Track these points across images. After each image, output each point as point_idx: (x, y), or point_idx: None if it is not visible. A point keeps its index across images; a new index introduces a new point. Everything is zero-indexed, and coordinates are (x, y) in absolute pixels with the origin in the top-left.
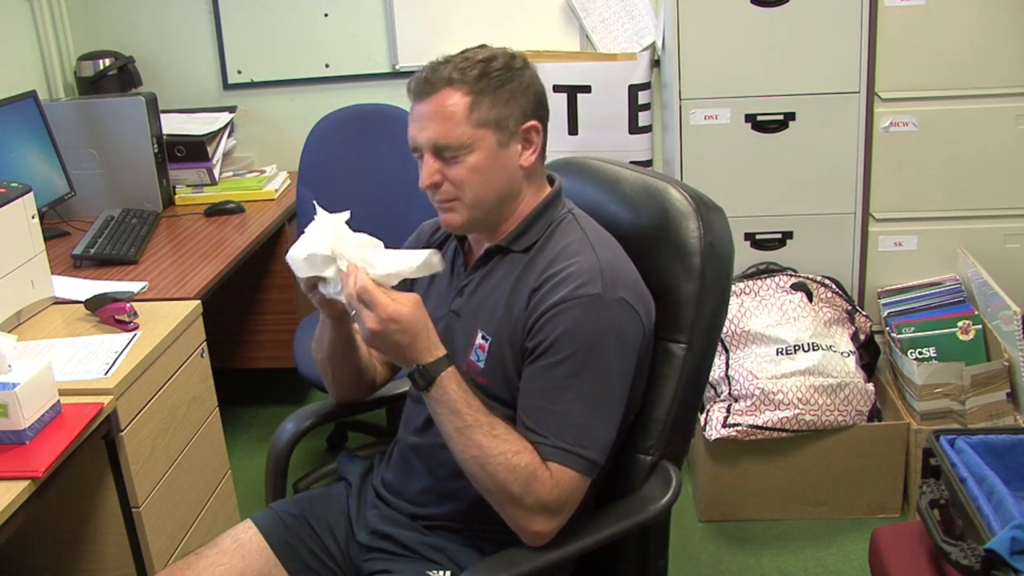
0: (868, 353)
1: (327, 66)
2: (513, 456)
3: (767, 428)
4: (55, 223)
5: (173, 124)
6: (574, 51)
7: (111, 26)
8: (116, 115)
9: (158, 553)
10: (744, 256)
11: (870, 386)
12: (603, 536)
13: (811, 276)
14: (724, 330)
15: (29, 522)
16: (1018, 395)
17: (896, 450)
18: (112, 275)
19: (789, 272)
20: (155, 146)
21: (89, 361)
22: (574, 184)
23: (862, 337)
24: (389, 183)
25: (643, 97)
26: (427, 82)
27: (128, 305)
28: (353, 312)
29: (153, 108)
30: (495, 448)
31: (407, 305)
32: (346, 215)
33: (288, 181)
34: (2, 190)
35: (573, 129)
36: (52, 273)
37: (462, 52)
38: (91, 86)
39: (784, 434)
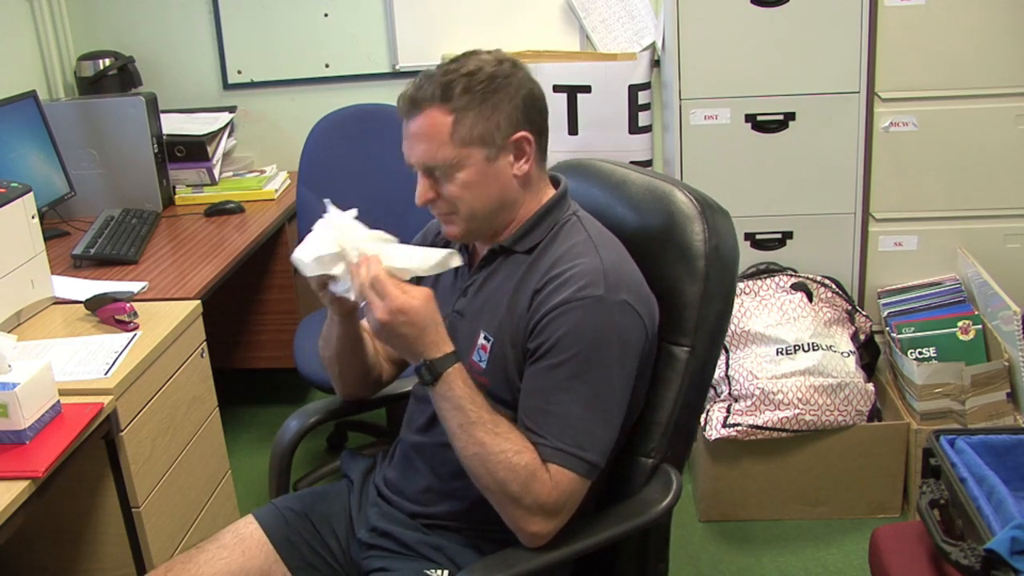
0: (868, 353)
1: (327, 66)
2: (513, 455)
3: (767, 428)
4: (55, 223)
5: (173, 124)
6: (574, 51)
7: (111, 26)
8: (116, 115)
9: (158, 553)
10: (744, 256)
11: (870, 386)
12: (601, 538)
13: (811, 276)
14: None
15: (29, 522)
16: (1018, 395)
17: (896, 450)
18: (112, 275)
19: (789, 272)
20: (155, 146)
21: (89, 361)
22: (580, 185)
23: (862, 337)
24: (389, 183)
25: (643, 97)
26: (411, 101)
27: (128, 305)
28: (363, 304)
29: (153, 108)
30: (496, 446)
31: (417, 299)
32: (353, 212)
33: (288, 181)
34: (2, 190)
35: (573, 129)
36: (52, 273)
37: (448, 64)
38: (91, 86)
39: (784, 434)
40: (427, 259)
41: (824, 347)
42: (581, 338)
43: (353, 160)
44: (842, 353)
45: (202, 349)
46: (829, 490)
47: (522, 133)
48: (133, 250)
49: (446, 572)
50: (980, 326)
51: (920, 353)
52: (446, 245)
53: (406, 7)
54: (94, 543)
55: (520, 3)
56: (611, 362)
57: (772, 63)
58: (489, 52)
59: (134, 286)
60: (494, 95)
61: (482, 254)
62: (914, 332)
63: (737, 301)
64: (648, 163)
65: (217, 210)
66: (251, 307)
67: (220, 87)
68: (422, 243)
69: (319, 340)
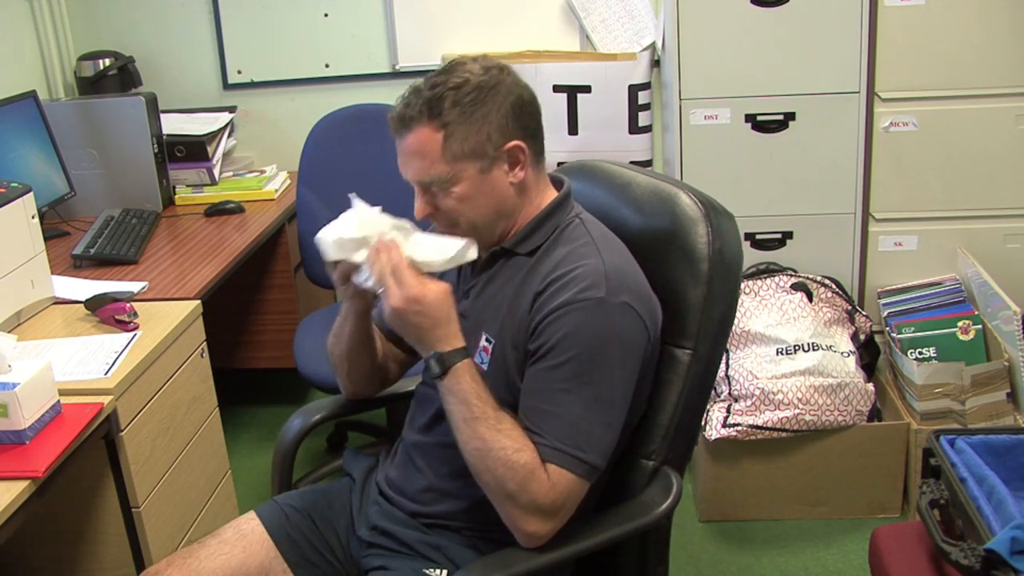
0: (868, 353)
1: (327, 66)
2: (513, 453)
3: (767, 428)
4: (55, 223)
5: (173, 124)
6: (574, 51)
7: (111, 26)
8: (116, 115)
9: (158, 553)
10: (744, 256)
11: (870, 386)
12: (600, 540)
13: (811, 276)
14: None
15: (29, 522)
16: (1018, 395)
17: (896, 450)
18: (112, 275)
19: (789, 272)
20: (155, 146)
21: (89, 361)
22: (585, 187)
23: (862, 337)
24: (389, 183)
25: (643, 97)
26: (400, 120)
27: (128, 305)
28: (380, 291)
29: (153, 108)
30: (497, 443)
31: (433, 291)
32: (379, 208)
33: (288, 181)
34: (2, 190)
35: (573, 129)
36: (52, 273)
37: (435, 76)
38: (91, 86)
39: (784, 434)
40: (446, 249)
41: (824, 347)
42: (582, 340)
43: (353, 160)
44: (842, 353)
45: (202, 349)
46: (829, 490)
47: (515, 142)
48: (133, 250)
49: (445, 572)
50: (980, 326)
51: (920, 353)
52: None
53: (406, 7)
54: (94, 543)
55: (520, 3)
56: (612, 364)
57: (772, 63)
58: (475, 59)
59: (134, 286)
60: (483, 106)
61: (484, 257)
62: (914, 332)
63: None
64: (648, 163)
65: (217, 210)
66: (251, 307)
67: (220, 87)
68: None
69: (329, 336)
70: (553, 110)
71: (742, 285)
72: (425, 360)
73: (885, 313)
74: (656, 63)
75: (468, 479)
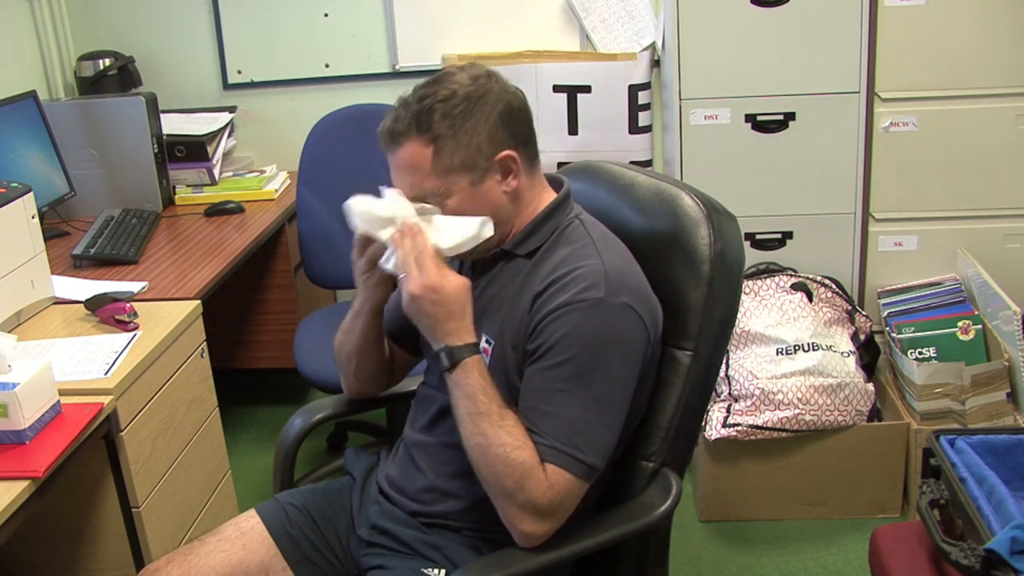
0: (868, 353)
1: (327, 66)
2: (512, 450)
3: (767, 428)
4: (55, 223)
5: (173, 124)
6: (574, 51)
7: (111, 26)
8: (116, 115)
9: (158, 553)
10: (745, 256)
11: (870, 386)
12: (598, 541)
13: (811, 276)
14: None
15: (29, 522)
16: (1018, 395)
17: (896, 450)
18: (112, 275)
19: (789, 272)
20: (155, 146)
21: (89, 361)
22: (587, 187)
23: (862, 337)
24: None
25: (643, 97)
26: (390, 135)
27: (128, 305)
28: (402, 275)
29: (153, 108)
30: (497, 439)
31: (452, 283)
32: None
33: (288, 181)
34: (2, 190)
35: (573, 129)
36: (52, 273)
37: (423, 88)
38: (91, 86)
39: (784, 434)
40: (466, 229)
41: (824, 347)
42: (581, 340)
43: (353, 160)
44: (842, 353)
45: (202, 349)
46: (829, 490)
47: (505, 152)
48: (133, 250)
49: (443, 571)
50: (980, 326)
51: (920, 353)
52: None
53: (406, 7)
54: (94, 543)
55: (520, 3)
56: (611, 365)
57: (772, 63)
58: (463, 68)
59: (134, 286)
60: (471, 117)
61: (484, 259)
62: (914, 332)
63: None
64: (648, 163)
65: (217, 210)
66: (251, 307)
67: (220, 87)
68: None
69: (338, 334)
70: (553, 110)
71: (742, 285)
72: (435, 352)
73: (885, 313)
74: (656, 63)
75: (468, 479)
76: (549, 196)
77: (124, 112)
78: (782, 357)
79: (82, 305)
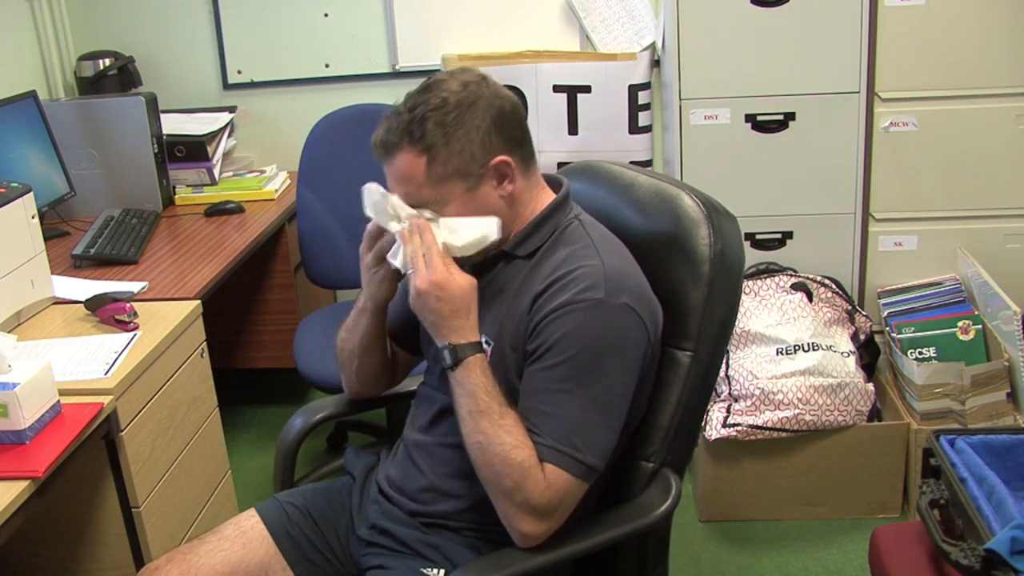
0: (868, 353)
1: (327, 66)
2: (511, 450)
3: (767, 428)
4: (55, 223)
5: (173, 124)
6: (574, 51)
7: (111, 26)
8: (116, 115)
9: (158, 553)
10: (745, 256)
11: (870, 386)
12: (597, 541)
13: (811, 276)
14: None
15: (29, 522)
16: (1018, 395)
17: (896, 450)
18: (112, 275)
19: (789, 272)
20: (155, 146)
21: (89, 361)
22: (588, 187)
23: (862, 337)
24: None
25: (643, 97)
26: (383, 146)
27: (128, 305)
28: (410, 271)
29: (153, 108)
30: (496, 438)
31: (458, 281)
32: None
33: (288, 181)
34: (2, 190)
35: (573, 129)
36: (52, 273)
37: (414, 96)
38: (91, 86)
39: (784, 434)
40: (478, 229)
41: (824, 347)
42: (580, 340)
43: (353, 160)
44: (842, 353)
45: (202, 349)
46: (829, 490)
47: (500, 158)
48: (133, 250)
49: (442, 571)
50: (980, 326)
51: (920, 353)
52: None
53: (406, 7)
54: (94, 543)
55: (520, 3)
56: (610, 365)
57: (772, 63)
58: (452, 75)
59: (134, 286)
60: (463, 125)
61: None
62: (914, 332)
63: None
64: (648, 163)
65: (217, 210)
66: (251, 307)
67: (220, 87)
68: None
69: (340, 331)
70: (553, 110)
71: (742, 285)
72: (438, 349)
73: (885, 313)
74: (656, 63)
75: (468, 479)
76: (547, 197)
77: (124, 112)
78: (782, 357)
79: (82, 305)
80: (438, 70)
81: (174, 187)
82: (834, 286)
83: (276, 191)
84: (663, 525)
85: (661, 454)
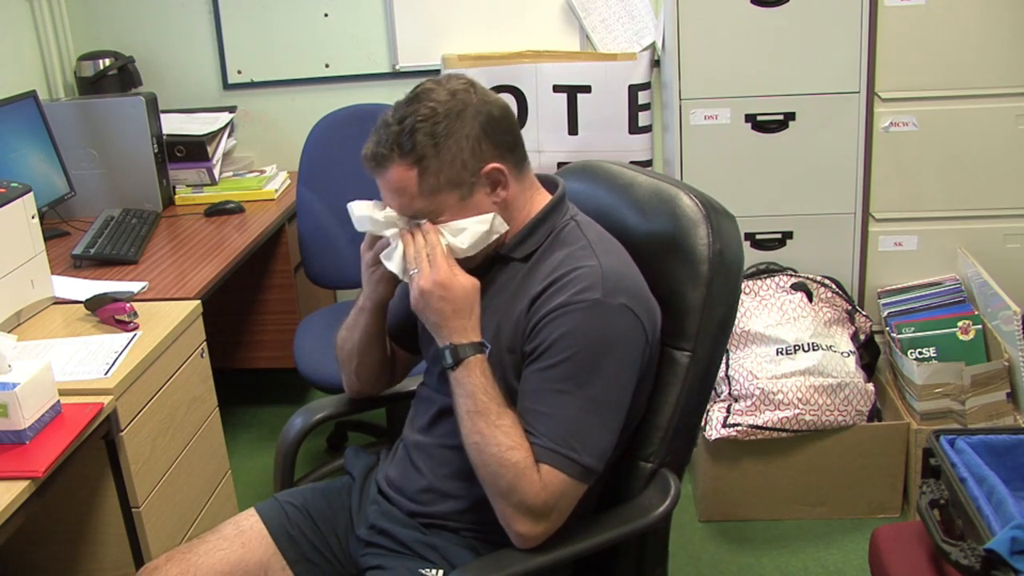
0: (868, 353)
1: (327, 66)
2: (506, 450)
3: (767, 428)
4: (55, 223)
5: (173, 124)
6: (574, 51)
7: (111, 26)
8: (116, 115)
9: (158, 553)
10: (744, 256)
11: (870, 386)
12: (596, 542)
13: (811, 276)
14: None
15: (29, 522)
16: (1018, 395)
17: (896, 450)
18: (112, 275)
19: (789, 272)
20: (155, 146)
21: (89, 361)
22: (587, 187)
23: (862, 337)
24: None
25: (643, 97)
26: (374, 159)
27: (128, 305)
28: (413, 271)
29: (153, 108)
30: (493, 438)
31: (461, 281)
32: None
33: (288, 181)
34: (2, 190)
35: (573, 129)
36: (52, 273)
37: (403, 107)
38: (91, 86)
39: (784, 434)
40: (480, 226)
41: (824, 347)
42: (578, 340)
43: (353, 160)
44: (842, 353)
45: (202, 349)
46: (829, 490)
47: (491, 165)
48: (133, 250)
49: (441, 572)
50: (980, 326)
51: (920, 353)
52: None
53: (406, 7)
54: (94, 543)
55: (520, 3)
56: (608, 365)
57: (772, 63)
58: (439, 83)
59: (134, 286)
60: (453, 135)
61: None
62: (914, 332)
63: None
64: (648, 163)
65: (217, 210)
66: (251, 307)
67: (220, 87)
68: None
69: (340, 330)
70: (553, 110)
71: (742, 285)
72: (439, 349)
73: (885, 313)
74: (656, 63)
75: (467, 480)
76: (543, 199)
77: (124, 112)
78: (782, 357)
79: (82, 305)
80: (438, 70)
81: (174, 187)
82: (834, 286)
83: (276, 191)
84: (662, 525)
85: (660, 454)
